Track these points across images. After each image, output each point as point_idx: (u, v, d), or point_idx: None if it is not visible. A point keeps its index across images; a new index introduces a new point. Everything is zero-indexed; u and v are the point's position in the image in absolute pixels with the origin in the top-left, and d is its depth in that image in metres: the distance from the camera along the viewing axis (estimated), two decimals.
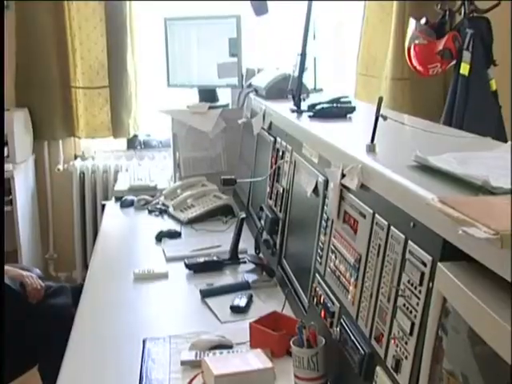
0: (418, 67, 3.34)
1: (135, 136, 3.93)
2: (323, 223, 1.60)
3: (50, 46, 3.70)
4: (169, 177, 3.31)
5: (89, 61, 3.77)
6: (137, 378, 1.49)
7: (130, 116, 3.82)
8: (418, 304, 1.03)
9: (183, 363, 1.54)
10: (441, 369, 0.95)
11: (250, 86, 3.07)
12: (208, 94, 3.26)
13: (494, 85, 3.25)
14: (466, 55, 3.21)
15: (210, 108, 3.17)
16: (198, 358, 1.53)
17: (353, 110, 2.12)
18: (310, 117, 2.11)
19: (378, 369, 1.17)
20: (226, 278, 2.11)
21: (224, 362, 1.48)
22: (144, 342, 1.66)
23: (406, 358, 1.06)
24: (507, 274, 0.78)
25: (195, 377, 1.48)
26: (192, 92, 3.33)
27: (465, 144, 1.58)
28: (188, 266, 2.15)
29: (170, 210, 2.83)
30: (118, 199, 3.06)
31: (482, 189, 1.01)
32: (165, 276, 2.12)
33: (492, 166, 1.15)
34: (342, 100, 2.18)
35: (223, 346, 1.61)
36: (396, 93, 3.83)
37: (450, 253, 0.95)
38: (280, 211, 2.12)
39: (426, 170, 1.20)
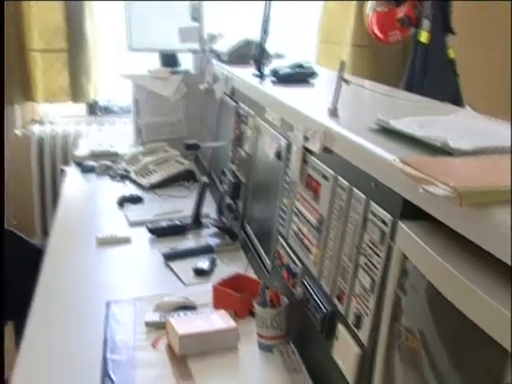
0: (379, 34, 3.38)
1: (95, 101, 3.88)
2: (286, 186, 1.62)
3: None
4: (130, 143, 3.28)
5: (45, 22, 3.67)
6: (101, 340, 1.50)
7: (89, 81, 3.76)
8: (378, 262, 1.06)
9: (148, 324, 1.56)
10: (399, 326, 0.99)
11: (211, 51, 3.05)
12: (169, 59, 3.23)
13: (451, 53, 3.31)
14: (426, 23, 3.26)
15: (172, 73, 3.15)
16: (162, 320, 1.55)
17: (315, 75, 2.14)
18: (272, 82, 2.12)
19: (340, 326, 1.20)
20: (189, 242, 2.13)
21: (188, 322, 1.50)
22: (108, 304, 1.67)
23: (367, 314, 1.10)
24: (465, 231, 0.81)
25: (160, 337, 1.50)
26: (153, 57, 3.30)
27: (425, 109, 1.61)
28: (151, 231, 2.16)
29: (132, 175, 2.82)
30: (78, 165, 3.03)
31: (441, 150, 1.04)
32: (128, 240, 2.13)
33: (451, 128, 1.18)
34: (304, 65, 2.19)
35: (187, 307, 1.63)
36: (356, 59, 3.86)
37: (410, 212, 0.97)
38: (243, 176, 2.14)
39: (387, 132, 1.23)
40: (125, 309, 1.65)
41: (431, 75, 3.26)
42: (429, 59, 3.28)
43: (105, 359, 1.41)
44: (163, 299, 1.65)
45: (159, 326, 1.54)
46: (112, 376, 1.34)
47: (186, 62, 3.28)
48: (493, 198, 0.79)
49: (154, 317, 1.58)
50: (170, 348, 1.46)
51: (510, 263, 0.71)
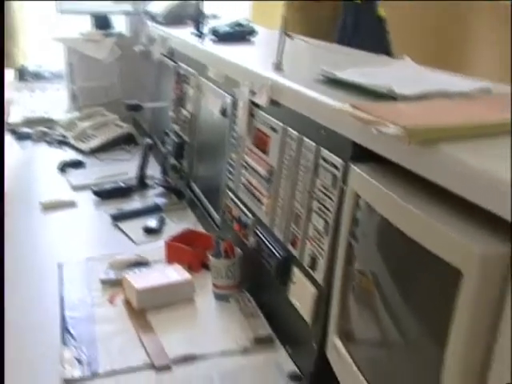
0: None
1: (24, 67, 3.77)
2: (233, 142, 1.66)
3: None
4: (64, 108, 3.23)
5: None
6: (57, 301, 1.50)
7: (16, 45, 3.65)
8: (331, 205, 1.12)
9: (103, 282, 1.58)
10: (353, 269, 1.04)
11: (146, 12, 3.02)
12: (102, 22, 3.18)
13: (381, 11, 3.38)
14: None
15: (105, 36, 3.10)
16: (117, 277, 1.57)
17: (254, 33, 2.16)
18: (212, 40, 2.13)
19: (295, 269, 1.26)
20: (136, 203, 2.14)
21: (144, 277, 1.52)
22: (59, 266, 1.68)
23: (322, 255, 1.15)
24: (414, 167, 0.87)
25: (116, 294, 1.52)
26: (85, 20, 3.23)
27: (364, 61, 1.67)
28: (96, 193, 2.15)
29: (70, 140, 2.78)
30: (12, 132, 2.96)
31: (386, 96, 1.10)
32: (73, 204, 2.12)
33: (393, 77, 1.24)
34: (243, 24, 2.21)
35: (140, 263, 1.65)
36: (288, 19, 3.87)
37: (359, 155, 1.03)
38: (186, 135, 2.16)
39: (333, 82, 1.27)
40: (77, 269, 1.66)
41: (362, 33, 3.32)
42: (360, 17, 3.35)
43: (63, 316, 1.43)
44: (116, 257, 1.67)
45: (114, 284, 1.57)
46: (72, 331, 1.36)
47: (120, 25, 3.23)
48: (439, 135, 0.85)
49: (109, 274, 1.60)
50: (127, 303, 1.48)
51: (455, 191, 0.77)
